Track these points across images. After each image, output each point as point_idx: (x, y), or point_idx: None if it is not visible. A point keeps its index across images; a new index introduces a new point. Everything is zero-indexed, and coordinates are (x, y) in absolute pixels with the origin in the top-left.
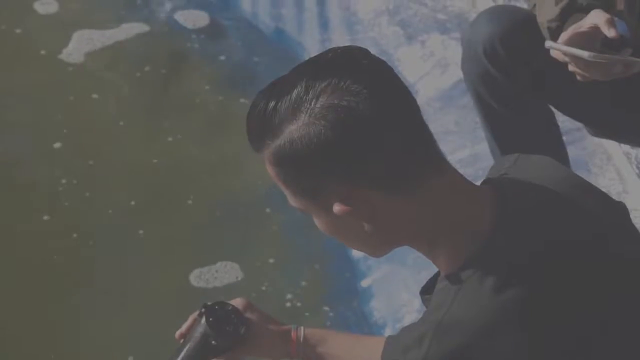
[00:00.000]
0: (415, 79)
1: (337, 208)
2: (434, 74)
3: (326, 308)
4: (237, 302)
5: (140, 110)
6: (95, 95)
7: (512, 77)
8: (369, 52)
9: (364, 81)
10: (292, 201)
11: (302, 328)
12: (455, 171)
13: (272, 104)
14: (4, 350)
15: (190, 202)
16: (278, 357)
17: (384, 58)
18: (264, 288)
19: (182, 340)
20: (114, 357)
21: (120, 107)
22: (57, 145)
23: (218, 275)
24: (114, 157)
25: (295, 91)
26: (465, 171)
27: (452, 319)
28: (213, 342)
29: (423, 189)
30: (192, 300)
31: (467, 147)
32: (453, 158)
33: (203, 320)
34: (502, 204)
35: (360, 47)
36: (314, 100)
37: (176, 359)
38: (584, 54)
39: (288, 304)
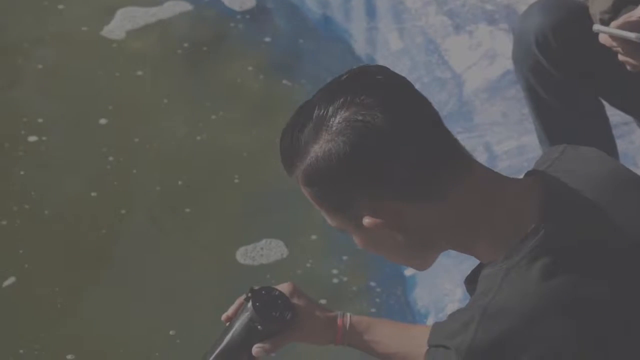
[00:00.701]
0: (462, 69)
1: (366, 221)
2: (481, 65)
3: (373, 283)
4: (284, 287)
5: (183, 89)
6: (139, 73)
7: (563, 68)
8: (387, 69)
9: (378, 95)
10: (329, 220)
11: (348, 315)
12: (487, 170)
13: (297, 127)
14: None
15: (236, 180)
16: (323, 344)
17: (430, 47)
18: (309, 265)
19: (227, 324)
20: (159, 333)
21: (164, 85)
22: (102, 121)
23: (264, 252)
24: (158, 134)
25: (316, 111)
26: (512, 162)
27: (499, 305)
28: (259, 326)
29: (452, 193)
30: (239, 277)
31: (513, 139)
32: (499, 149)
33: (249, 304)
34: (547, 194)
35: (378, 65)
36: (332, 118)
37: (222, 342)
38: (631, 35)
39: (335, 280)
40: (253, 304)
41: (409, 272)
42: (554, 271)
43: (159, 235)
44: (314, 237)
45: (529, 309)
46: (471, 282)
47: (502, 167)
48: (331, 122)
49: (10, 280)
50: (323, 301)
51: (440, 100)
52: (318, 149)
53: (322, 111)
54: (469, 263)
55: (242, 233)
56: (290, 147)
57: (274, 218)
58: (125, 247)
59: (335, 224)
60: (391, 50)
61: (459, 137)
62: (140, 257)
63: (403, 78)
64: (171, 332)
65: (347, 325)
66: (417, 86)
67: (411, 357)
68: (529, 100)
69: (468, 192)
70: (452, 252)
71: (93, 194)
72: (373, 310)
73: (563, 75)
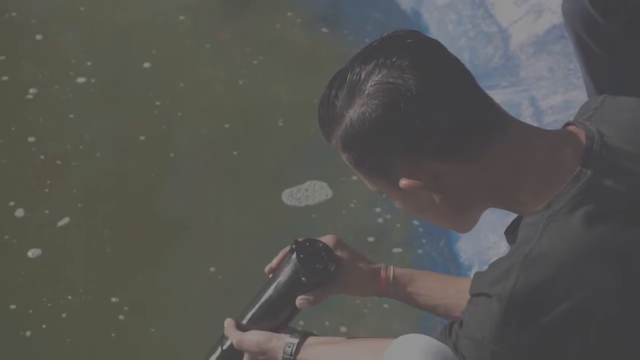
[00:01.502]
0: (508, 24)
1: (403, 183)
2: (527, 20)
3: (416, 222)
4: (328, 240)
5: (224, 35)
6: (182, 17)
7: (614, 20)
8: (419, 33)
9: (410, 58)
10: (368, 185)
11: (391, 267)
12: (523, 125)
13: (333, 93)
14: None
15: (280, 124)
16: (367, 296)
17: (476, 2)
18: (352, 205)
19: (271, 276)
20: (201, 269)
21: (206, 30)
22: (146, 65)
23: (309, 194)
24: (202, 79)
25: (349, 77)
26: (557, 117)
27: (540, 252)
28: (303, 278)
29: (488, 151)
30: (285, 218)
31: (559, 94)
32: (545, 104)
33: (294, 256)
34: (588, 143)
35: (409, 30)
36: (365, 82)
37: (265, 293)
38: None
39: (380, 220)
40: (297, 256)
41: None
42: (596, 218)
43: (206, 177)
44: (354, 177)
45: (571, 255)
46: (512, 232)
47: (548, 122)
48: (364, 87)
49: (65, 220)
50: (371, 239)
51: (485, 54)
52: (352, 113)
53: (355, 76)
54: (514, 215)
55: (287, 175)
56: (326, 114)
57: (318, 160)
58: (174, 190)
59: (375, 188)
60: (437, 5)
61: (504, 92)
62: (188, 199)
63: (435, 41)
64: (211, 269)
65: (391, 277)
66: (463, 41)
67: (454, 309)
68: (579, 53)
69: (505, 150)
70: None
71: (142, 137)
72: (420, 251)
73: (614, 27)
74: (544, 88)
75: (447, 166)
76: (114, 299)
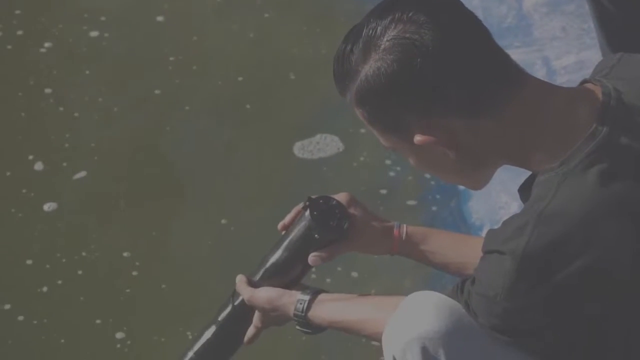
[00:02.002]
0: None
1: (417, 139)
2: None
3: (427, 176)
4: (341, 197)
5: None
6: None
7: None
8: None
9: (425, 13)
10: (382, 141)
11: (404, 226)
12: (539, 82)
13: (348, 48)
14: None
15: (292, 77)
16: (379, 254)
17: None
18: (362, 159)
19: (283, 232)
20: (212, 217)
21: None
22: (160, 18)
23: (320, 147)
24: (214, 32)
25: (365, 31)
26: (570, 78)
27: (554, 209)
28: (316, 235)
29: (504, 107)
30: (297, 170)
31: (572, 54)
32: (558, 64)
33: (307, 213)
34: (604, 100)
35: None
36: (380, 37)
37: (278, 250)
38: None
39: (392, 173)
40: (311, 213)
41: None
42: (611, 175)
43: (219, 131)
44: (362, 130)
45: (585, 212)
46: (525, 189)
47: (561, 82)
48: (380, 41)
49: (81, 174)
50: (383, 191)
51: (499, 14)
52: (368, 68)
53: (371, 31)
54: (526, 175)
55: (298, 128)
56: (341, 69)
57: (329, 114)
58: (188, 143)
59: (389, 144)
60: None
61: (517, 51)
62: (202, 153)
63: None
64: (223, 221)
65: (404, 235)
66: (476, 0)
67: (467, 267)
68: (593, 13)
69: (521, 106)
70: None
71: (157, 91)
72: (434, 207)
73: None
74: (557, 48)
75: (462, 122)
76: (125, 254)
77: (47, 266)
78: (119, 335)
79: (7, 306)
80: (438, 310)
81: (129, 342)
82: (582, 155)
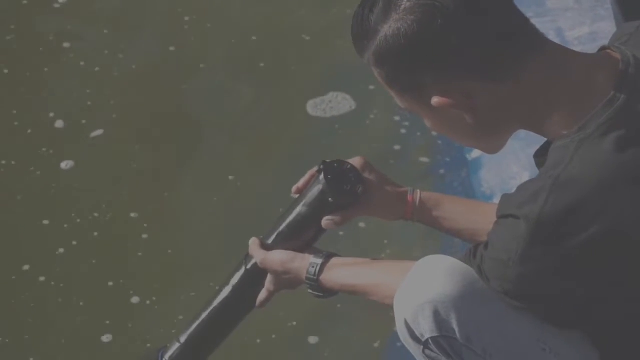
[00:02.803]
0: None
1: (435, 100)
2: None
3: (434, 133)
4: (356, 162)
5: None
6: None
7: None
8: None
9: None
10: (399, 102)
11: (418, 191)
12: (558, 47)
13: (367, 8)
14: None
15: (305, 37)
16: (393, 219)
17: None
18: (372, 116)
19: (297, 196)
20: (221, 179)
21: None
22: None
23: (333, 105)
24: None
25: None
26: (584, 49)
27: (571, 174)
28: (330, 199)
29: (522, 71)
30: (310, 128)
31: (586, 25)
32: (571, 35)
33: (321, 176)
34: (623, 68)
35: None
36: None
37: (291, 213)
38: None
39: (403, 130)
40: (325, 176)
41: (474, 153)
42: (628, 142)
43: (233, 88)
44: (371, 87)
45: (602, 178)
46: (541, 155)
47: None
48: (400, 2)
49: (98, 132)
50: (397, 147)
51: None
52: (387, 28)
53: None
54: (537, 145)
55: (311, 87)
56: (360, 29)
57: (340, 73)
58: (202, 100)
59: (405, 106)
60: None
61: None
62: (216, 110)
63: None
64: (230, 177)
65: (417, 201)
66: None
67: (480, 233)
68: None
69: (539, 70)
70: (521, 134)
71: (171, 48)
72: (441, 171)
73: None
74: (571, 19)
75: (480, 85)
76: (135, 215)
77: (65, 226)
78: (135, 299)
79: (27, 267)
80: (450, 274)
81: (146, 304)
82: (599, 122)
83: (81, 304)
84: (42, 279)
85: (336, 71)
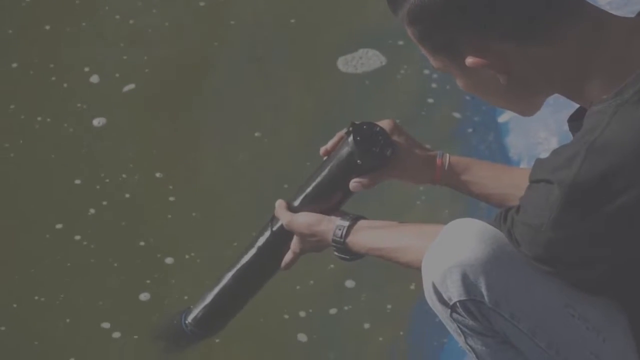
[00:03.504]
0: None
1: (469, 60)
2: None
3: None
4: (385, 124)
5: None
6: None
7: None
8: None
9: None
10: (432, 62)
11: (447, 155)
12: (597, 11)
13: None
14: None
15: None
16: (421, 182)
17: None
18: (402, 71)
19: (325, 158)
20: (247, 135)
21: None
22: None
23: (363, 61)
24: None
25: None
26: (616, 14)
27: (607, 140)
28: (358, 161)
29: (559, 35)
30: (341, 84)
31: None
32: (602, 0)
33: (350, 138)
34: None
35: None
36: None
37: (319, 175)
38: None
39: (434, 84)
40: (354, 138)
41: (502, 117)
42: None
43: (264, 44)
44: (400, 42)
45: (637, 144)
46: (576, 120)
47: None
48: None
49: (130, 86)
50: (430, 100)
51: None
52: None
53: None
54: (566, 112)
55: (340, 44)
56: None
57: (369, 30)
58: (233, 56)
59: (438, 65)
60: None
61: None
62: (246, 65)
63: None
64: (256, 134)
65: (446, 164)
66: None
67: (509, 198)
68: None
69: (577, 35)
70: (549, 100)
71: (202, 3)
72: (469, 129)
73: None
74: None
75: (516, 47)
76: (159, 174)
77: (96, 187)
78: (168, 260)
79: (59, 226)
80: (480, 238)
81: (180, 263)
82: (637, 87)
83: (115, 264)
84: (77, 237)
85: (366, 28)
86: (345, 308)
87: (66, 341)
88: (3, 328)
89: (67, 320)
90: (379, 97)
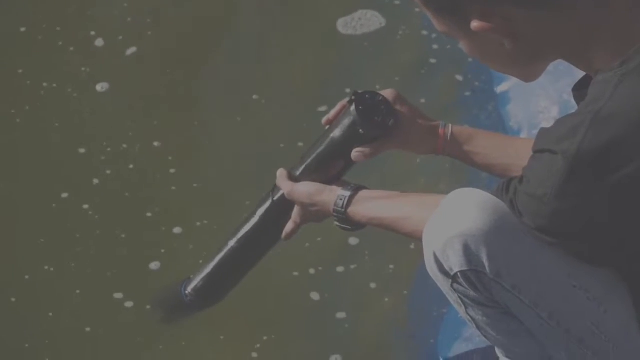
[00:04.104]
0: None
1: (475, 24)
2: None
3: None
4: (388, 94)
5: None
6: None
7: None
8: None
9: None
10: (436, 25)
11: (450, 125)
12: None
13: None
14: None
15: None
16: (424, 152)
17: None
18: (401, 32)
19: (327, 127)
20: (243, 95)
21: None
22: None
23: (363, 22)
24: None
25: None
26: None
27: (612, 110)
28: (360, 130)
29: (568, 2)
30: (341, 47)
31: None
32: None
33: (352, 107)
34: None
35: None
36: None
37: (321, 144)
38: None
39: (435, 45)
40: (356, 107)
41: (502, 87)
42: None
43: (263, 7)
44: (397, 2)
45: None
46: (580, 89)
47: None
48: None
49: (132, 49)
50: (433, 60)
51: None
52: None
53: None
54: (567, 80)
55: (338, 5)
56: None
57: None
58: (233, 21)
59: (443, 28)
60: None
61: None
62: (246, 28)
63: None
64: (254, 97)
65: (449, 134)
66: None
67: (512, 169)
68: None
69: (585, 2)
70: (550, 68)
71: None
72: (467, 92)
73: None
74: None
75: (522, 11)
76: (157, 144)
77: (100, 157)
78: (177, 229)
79: (65, 195)
80: (481, 208)
81: (188, 234)
82: None
83: (123, 236)
84: (85, 206)
85: None
86: (352, 267)
87: (80, 311)
88: (14, 299)
89: (78, 292)
90: (380, 59)
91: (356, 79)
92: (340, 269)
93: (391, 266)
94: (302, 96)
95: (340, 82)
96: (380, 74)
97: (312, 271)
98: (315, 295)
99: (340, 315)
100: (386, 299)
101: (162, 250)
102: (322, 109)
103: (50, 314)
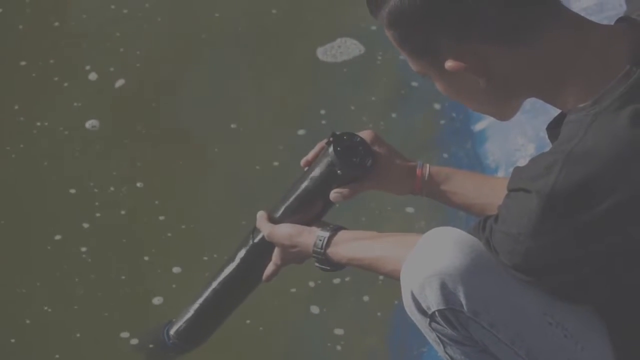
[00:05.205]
0: None
1: (449, 64)
2: None
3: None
4: (366, 134)
5: None
6: None
7: None
8: None
9: None
10: (412, 65)
11: (427, 166)
12: (575, 16)
13: None
14: None
15: None
16: (402, 193)
17: None
18: (380, 58)
19: (306, 168)
20: (221, 123)
21: None
22: None
23: (342, 50)
24: None
25: None
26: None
27: (584, 148)
28: (339, 171)
29: (539, 37)
30: (322, 74)
31: None
32: (578, 5)
33: (330, 149)
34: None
35: None
36: None
37: (300, 185)
38: None
39: (414, 84)
40: (334, 149)
41: (479, 125)
42: None
43: (245, 34)
44: (373, 27)
45: (616, 153)
46: (554, 128)
47: None
48: None
49: (120, 82)
50: (415, 84)
51: None
52: None
53: None
54: (543, 118)
55: (318, 33)
56: None
57: (347, 19)
58: (216, 50)
59: (418, 69)
60: None
61: None
62: (229, 55)
63: None
64: (232, 126)
65: (426, 175)
66: None
67: (490, 208)
68: None
69: (556, 38)
70: (526, 106)
71: None
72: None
73: None
74: None
75: (495, 50)
76: (139, 184)
77: (89, 200)
78: (176, 269)
79: (58, 237)
80: (458, 247)
81: (185, 275)
82: (615, 96)
83: (123, 277)
84: (83, 249)
85: (343, 17)
86: (347, 279)
87: (87, 354)
88: (13, 340)
89: (78, 335)
90: (359, 85)
91: (337, 106)
92: (336, 280)
93: (370, 307)
94: (284, 124)
95: (321, 108)
96: (359, 99)
97: (311, 284)
98: (315, 309)
99: (339, 330)
100: (379, 314)
101: (161, 289)
102: (301, 132)
103: (57, 356)
